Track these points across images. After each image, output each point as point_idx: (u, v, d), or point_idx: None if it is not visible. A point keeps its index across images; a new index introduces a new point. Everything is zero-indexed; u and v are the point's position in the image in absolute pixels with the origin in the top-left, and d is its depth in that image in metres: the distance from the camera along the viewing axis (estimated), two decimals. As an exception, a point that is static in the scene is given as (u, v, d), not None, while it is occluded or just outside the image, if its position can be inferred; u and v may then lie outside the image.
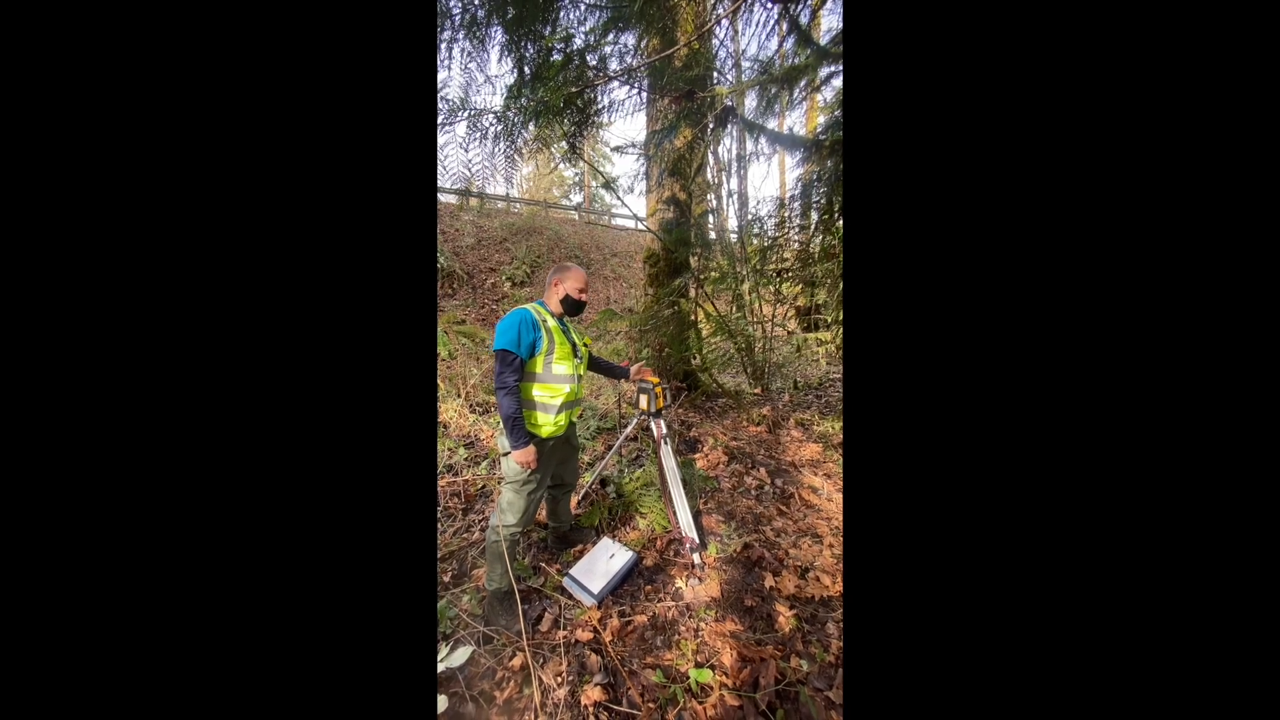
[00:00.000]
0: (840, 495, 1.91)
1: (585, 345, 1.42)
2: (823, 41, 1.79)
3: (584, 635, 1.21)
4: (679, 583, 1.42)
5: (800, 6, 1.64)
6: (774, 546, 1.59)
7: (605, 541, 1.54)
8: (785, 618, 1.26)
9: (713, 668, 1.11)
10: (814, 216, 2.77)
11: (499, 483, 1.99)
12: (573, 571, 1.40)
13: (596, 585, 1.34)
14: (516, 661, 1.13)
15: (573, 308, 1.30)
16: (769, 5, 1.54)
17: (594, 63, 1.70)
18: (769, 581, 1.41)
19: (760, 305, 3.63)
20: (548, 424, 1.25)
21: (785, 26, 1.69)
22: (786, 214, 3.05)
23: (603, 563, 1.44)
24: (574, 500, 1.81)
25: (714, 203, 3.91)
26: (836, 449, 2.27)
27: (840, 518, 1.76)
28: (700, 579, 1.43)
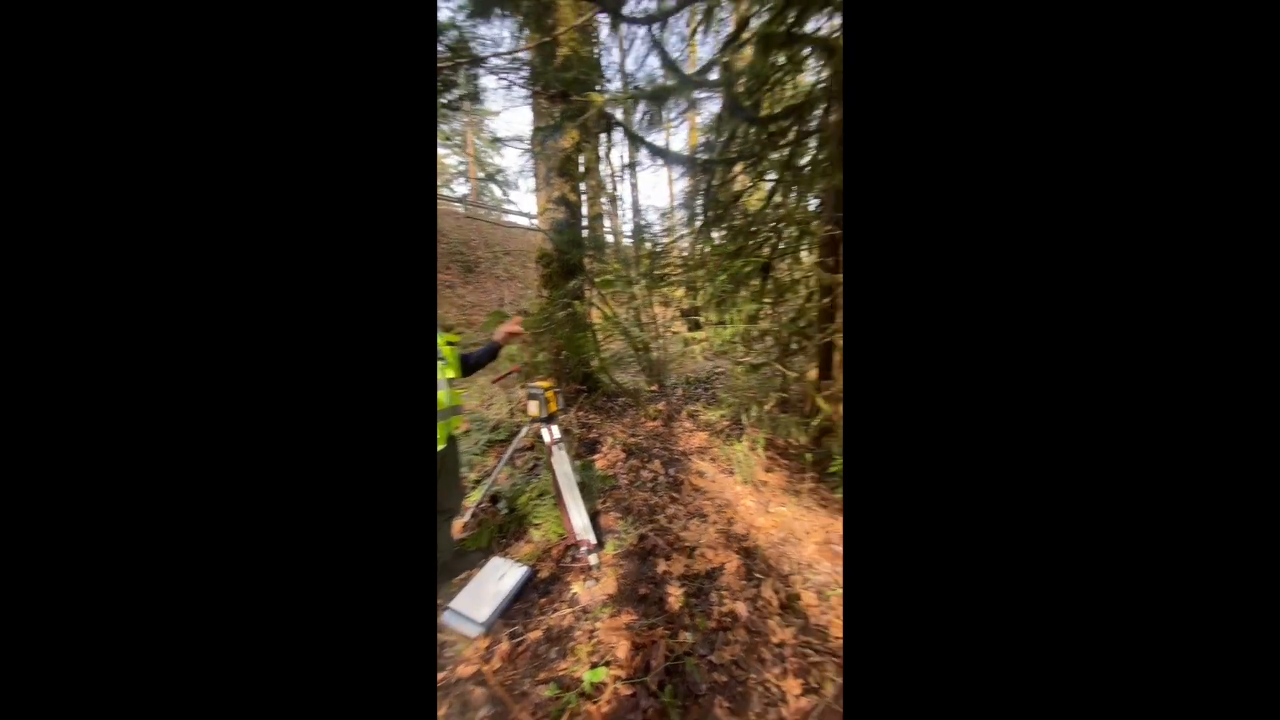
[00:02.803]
0: (722, 476, 2.14)
1: (450, 343, 1.29)
2: (691, 70, 1.98)
3: (466, 670, 1.10)
4: (575, 588, 1.40)
5: (664, 31, 1.78)
6: (666, 533, 1.70)
7: (494, 562, 1.43)
8: (675, 597, 1.36)
9: (607, 664, 1.13)
10: (695, 225, 3.06)
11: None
12: (453, 605, 1.27)
13: (484, 612, 1.24)
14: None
15: None
16: (628, 25, 1.63)
17: (449, 43, 1.55)
18: (661, 567, 1.50)
19: (653, 307, 3.84)
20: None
21: (652, 48, 1.82)
22: (671, 223, 3.30)
23: (491, 585, 1.33)
24: (458, 525, 1.64)
25: (607, 206, 3.99)
26: (718, 434, 2.54)
27: (723, 496, 1.98)
28: (597, 579, 1.44)
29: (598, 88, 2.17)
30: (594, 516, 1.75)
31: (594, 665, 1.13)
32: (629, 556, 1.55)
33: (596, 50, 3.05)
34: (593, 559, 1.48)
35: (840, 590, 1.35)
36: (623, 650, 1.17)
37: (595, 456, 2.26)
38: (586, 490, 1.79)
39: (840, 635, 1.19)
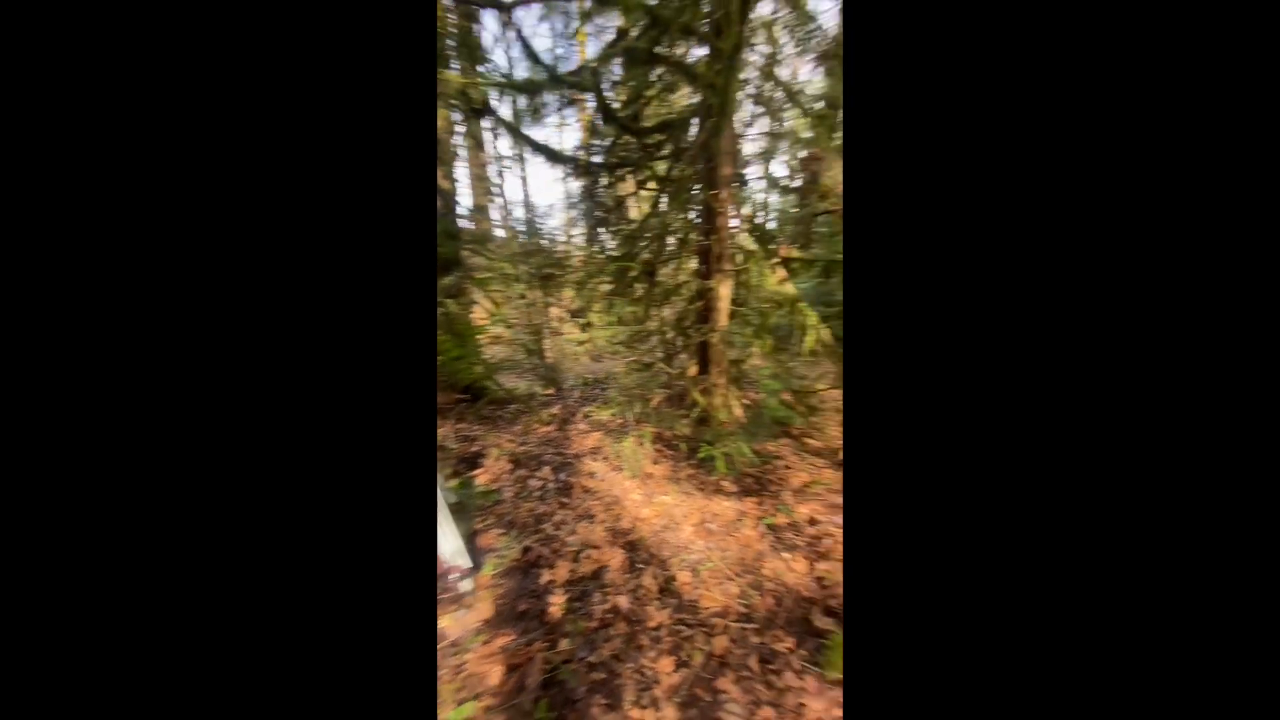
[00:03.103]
0: (612, 474, 2.18)
1: None
2: (563, 68, 1.96)
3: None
4: (442, 622, 1.25)
5: (526, 17, 1.71)
6: (552, 540, 1.65)
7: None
8: (557, 605, 1.32)
9: (477, 697, 1.04)
10: (585, 226, 3.05)
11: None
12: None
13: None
14: None
15: None
16: (478, 8, 1.53)
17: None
18: (545, 577, 1.44)
19: (546, 308, 3.71)
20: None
21: (514, 37, 1.74)
22: (562, 221, 3.24)
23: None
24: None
25: (496, 199, 3.71)
26: (610, 433, 2.59)
27: (611, 494, 2.01)
28: (469, 607, 1.31)
29: (454, 66, 1.98)
30: (470, 538, 1.59)
31: (460, 702, 1.02)
32: (510, 573, 1.46)
33: (472, 28, 2.79)
34: (465, 585, 1.34)
35: (711, 565, 1.49)
36: (495, 676, 1.09)
37: (476, 472, 2.07)
38: (463, 511, 1.63)
39: (709, 606, 1.32)
